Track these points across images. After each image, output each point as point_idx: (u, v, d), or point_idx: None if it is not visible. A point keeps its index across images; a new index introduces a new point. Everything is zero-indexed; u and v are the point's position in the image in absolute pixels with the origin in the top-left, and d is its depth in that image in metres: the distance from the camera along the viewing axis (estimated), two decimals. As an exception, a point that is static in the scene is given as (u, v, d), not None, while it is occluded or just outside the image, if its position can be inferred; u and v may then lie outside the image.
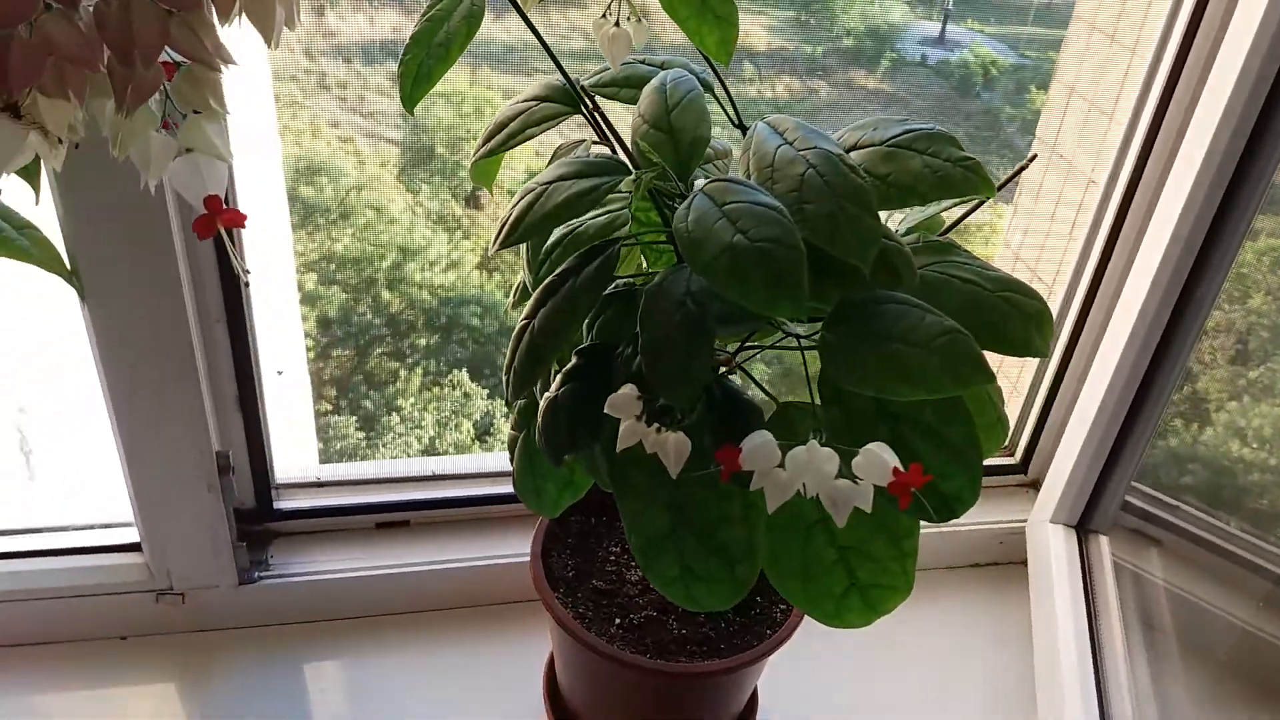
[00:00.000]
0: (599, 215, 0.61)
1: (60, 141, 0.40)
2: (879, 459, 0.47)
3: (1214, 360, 0.99)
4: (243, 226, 0.42)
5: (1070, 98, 1.11)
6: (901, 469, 0.47)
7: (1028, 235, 1.16)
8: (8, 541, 0.87)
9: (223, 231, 0.42)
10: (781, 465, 0.48)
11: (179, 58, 0.41)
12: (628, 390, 0.51)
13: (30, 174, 0.58)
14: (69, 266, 0.69)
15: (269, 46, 0.40)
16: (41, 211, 0.63)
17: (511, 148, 0.58)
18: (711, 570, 0.57)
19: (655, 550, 0.57)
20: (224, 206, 0.41)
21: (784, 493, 0.48)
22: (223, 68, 0.41)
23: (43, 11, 0.37)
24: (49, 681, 0.87)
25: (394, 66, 0.57)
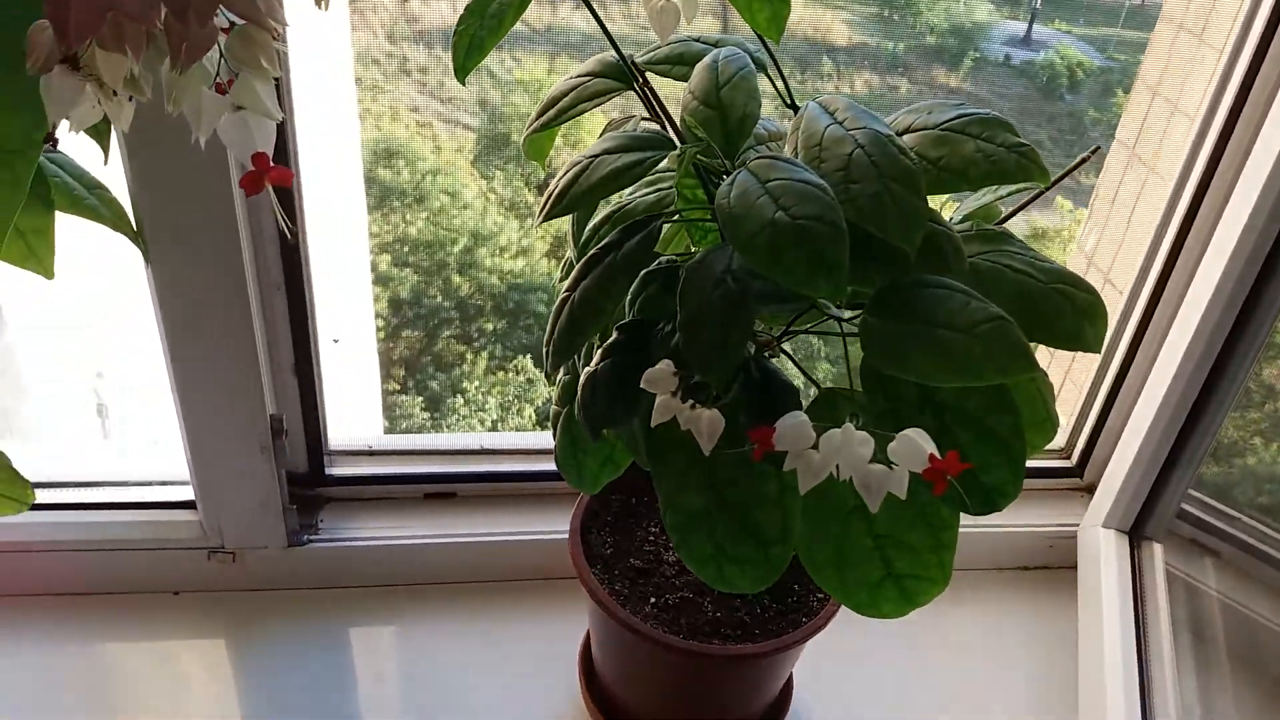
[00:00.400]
0: (648, 194, 0.61)
1: (115, 94, 0.41)
2: (915, 445, 0.47)
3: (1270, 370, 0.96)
4: (289, 185, 0.43)
5: (1153, 99, 1.08)
6: (938, 456, 0.46)
7: (1103, 239, 1.14)
8: (70, 493, 0.90)
9: (270, 189, 0.43)
10: (815, 447, 0.48)
11: (234, 17, 0.42)
12: (664, 365, 0.51)
13: (100, 134, 0.60)
14: (135, 228, 0.71)
15: (320, 8, 0.41)
16: (106, 172, 0.65)
17: (563, 122, 0.59)
18: (744, 551, 0.57)
19: (689, 528, 0.57)
20: (271, 164, 0.42)
21: (816, 475, 0.48)
22: (275, 28, 0.42)
23: (102, -34, 0.38)
24: (104, 631, 0.90)
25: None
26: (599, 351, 0.56)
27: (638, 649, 0.74)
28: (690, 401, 0.51)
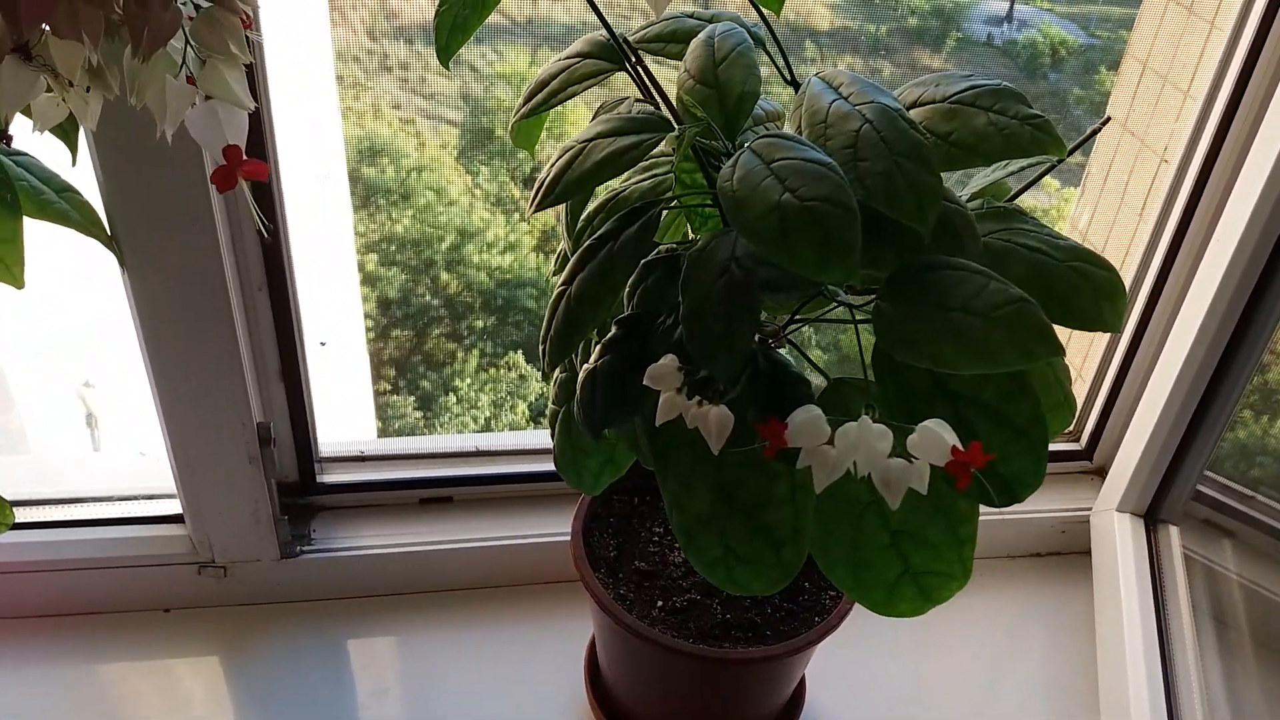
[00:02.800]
0: (643, 180, 0.59)
1: (72, 85, 0.38)
2: (936, 437, 0.44)
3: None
4: (264, 179, 0.40)
5: (1143, 73, 1.06)
6: (960, 447, 0.44)
7: (1096, 216, 1.12)
8: (54, 511, 0.87)
9: (243, 184, 0.40)
10: (830, 442, 0.45)
11: (201, 1, 0.39)
12: (668, 361, 0.49)
13: (67, 134, 0.57)
14: (108, 231, 0.68)
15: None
16: (76, 175, 0.62)
17: (553, 106, 0.56)
18: (756, 552, 0.54)
19: (697, 530, 0.54)
20: (244, 157, 0.39)
21: (833, 472, 0.45)
22: (244, 10, 0.39)
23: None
24: (94, 652, 0.87)
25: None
26: (598, 347, 0.54)
27: (646, 654, 0.72)
28: (696, 398, 0.49)
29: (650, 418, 0.50)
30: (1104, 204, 1.09)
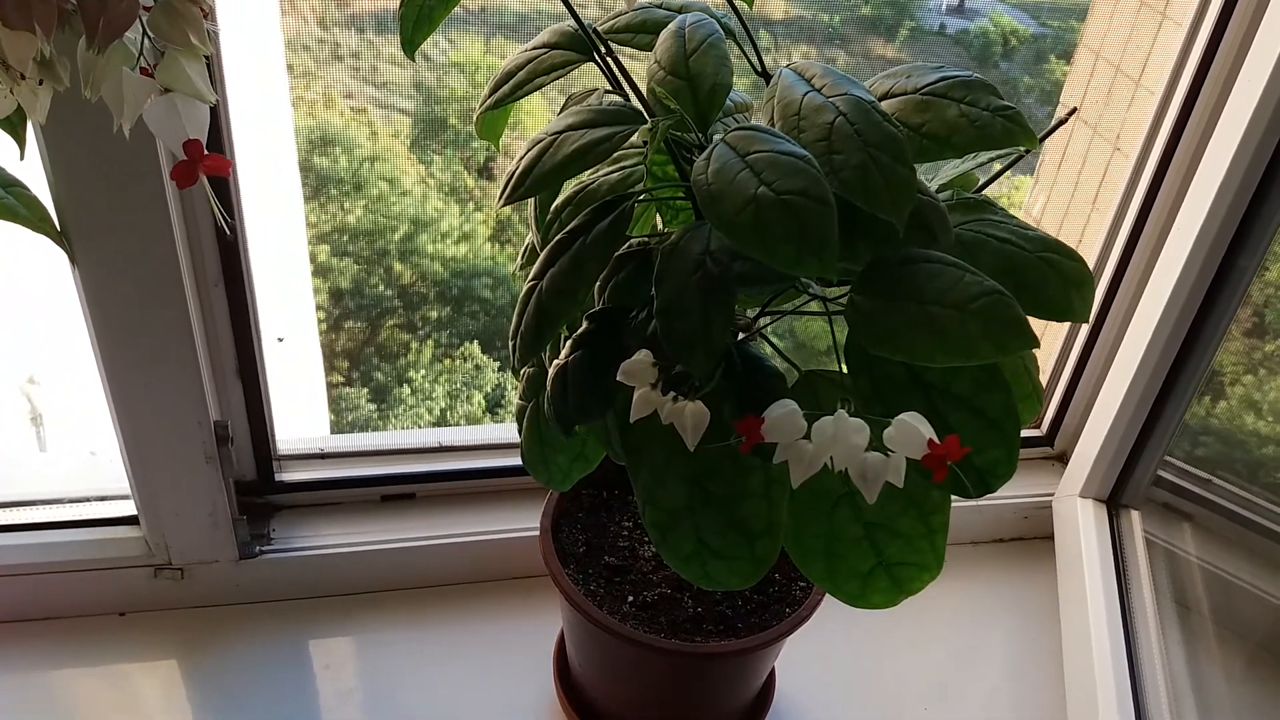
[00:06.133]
0: (612, 171, 0.58)
1: (24, 79, 0.36)
2: (913, 430, 0.44)
3: (1229, 333, 0.95)
4: (226, 174, 0.39)
5: (1096, 63, 1.07)
6: (937, 440, 0.44)
7: (1049, 205, 1.13)
8: (2, 515, 0.85)
9: (204, 180, 0.39)
10: (807, 437, 0.45)
11: (156, -10, 0.38)
12: (642, 356, 0.48)
13: (15, 127, 0.55)
14: (58, 227, 0.66)
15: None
16: (24, 169, 0.60)
17: (519, 98, 0.55)
18: (730, 547, 0.54)
19: (670, 525, 0.54)
20: (205, 152, 0.38)
21: (810, 466, 0.45)
22: (204, 1, 0.38)
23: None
24: (47, 658, 0.85)
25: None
26: (568, 342, 0.53)
27: (617, 650, 0.71)
28: (671, 394, 0.48)
29: (622, 413, 0.50)
30: (1057, 192, 1.10)
